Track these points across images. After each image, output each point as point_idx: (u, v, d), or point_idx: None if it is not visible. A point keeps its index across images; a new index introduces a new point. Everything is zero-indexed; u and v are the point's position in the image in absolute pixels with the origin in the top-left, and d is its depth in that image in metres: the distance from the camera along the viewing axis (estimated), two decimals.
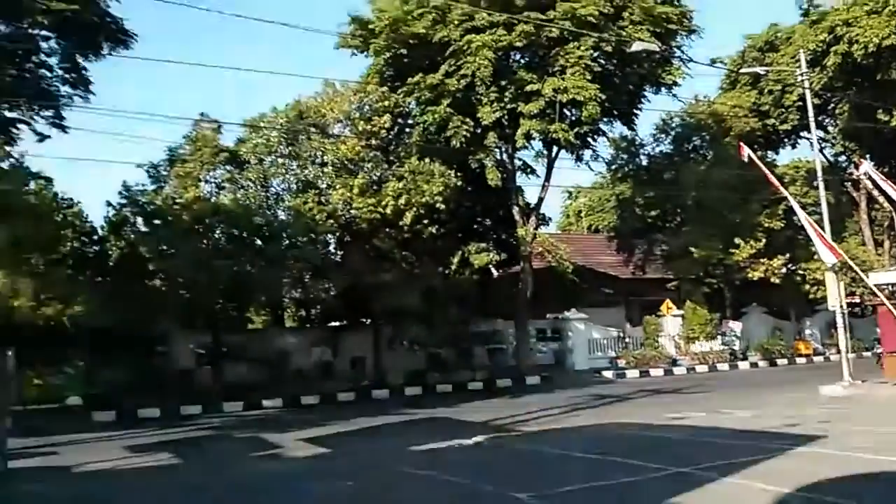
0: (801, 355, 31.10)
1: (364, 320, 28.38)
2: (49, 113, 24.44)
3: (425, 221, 24.91)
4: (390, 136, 26.63)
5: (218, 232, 23.76)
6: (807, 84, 23.53)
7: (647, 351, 29.18)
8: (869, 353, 27.21)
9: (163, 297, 23.13)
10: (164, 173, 24.70)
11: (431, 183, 24.67)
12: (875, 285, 20.57)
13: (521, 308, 27.77)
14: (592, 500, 8.46)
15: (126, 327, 22.08)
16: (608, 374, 26.86)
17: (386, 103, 25.82)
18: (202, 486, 10.63)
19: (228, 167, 25.28)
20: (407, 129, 27.81)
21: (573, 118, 26.27)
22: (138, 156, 54.26)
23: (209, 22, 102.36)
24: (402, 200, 24.24)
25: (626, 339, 30.57)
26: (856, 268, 22.23)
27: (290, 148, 26.21)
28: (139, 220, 24.09)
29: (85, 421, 19.68)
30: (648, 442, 12.20)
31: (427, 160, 25.26)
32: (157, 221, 23.45)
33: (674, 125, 34.90)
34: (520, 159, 28.85)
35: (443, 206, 24.94)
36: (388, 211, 24.25)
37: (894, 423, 13.06)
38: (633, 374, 26.90)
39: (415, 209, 24.41)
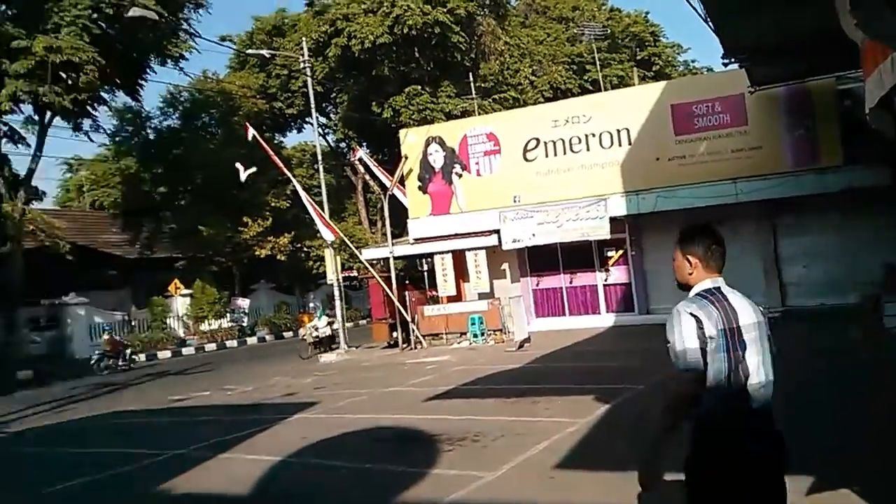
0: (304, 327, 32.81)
1: None
2: None
3: None
4: None
5: None
6: (308, 72, 24.86)
7: (155, 333, 28.28)
8: (364, 321, 30.02)
9: None
10: None
11: None
12: (367, 260, 22.88)
13: (11, 294, 24.59)
14: (83, 496, 7.92)
15: None
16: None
17: None
18: None
19: None
20: None
21: (70, 82, 24.03)
22: None
23: None
24: None
25: (133, 323, 29.18)
26: (351, 245, 24.42)
27: None
28: None
29: None
30: (147, 428, 11.91)
31: None
32: None
33: (182, 100, 34.17)
34: (5, 124, 25.45)
35: None
36: None
37: (378, 383, 14.55)
38: (139, 358, 25.83)
39: None
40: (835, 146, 18.69)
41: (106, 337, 24.13)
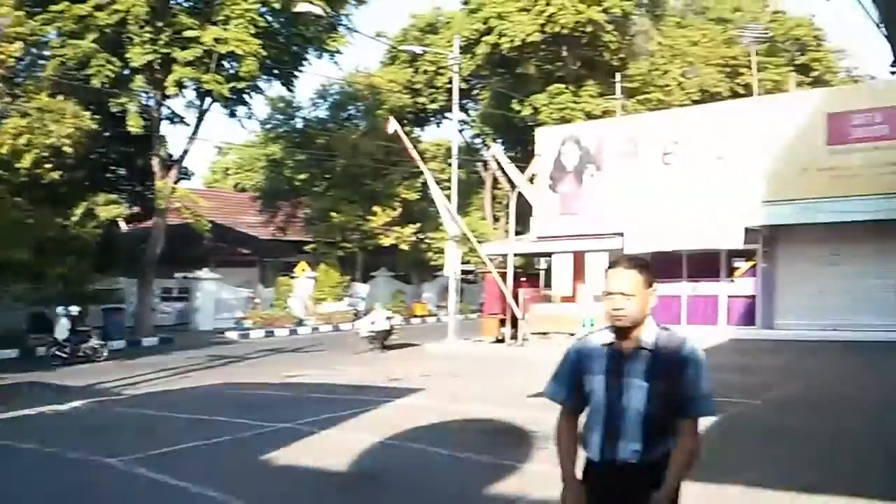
0: (416, 316, 33.05)
1: None
2: None
3: (48, 166, 22.22)
4: (19, 67, 23.25)
5: None
6: (456, 69, 24.89)
7: (275, 311, 29.16)
8: (474, 315, 30.01)
9: None
10: None
11: (61, 123, 22.08)
12: (486, 255, 22.76)
13: (147, 265, 26.00)
14: (188, 459, 8.20)
15: None
16: (232, 334, 26.28)
17: (20, 29, 22.37)
18: None
19: None
20: (41, 62, 24.43)
21: (231, 71, 25.20)
22: None
23: None
24: (22, 140, 21.34)
25: (256, 300, 30.24)
26: (473, 239, 24.34)
27: None
28: None
29: None
30: (259, 400, 12.19)
31: (61, 97, 22.58)
32: None
33: (332, 92, 35.28)
34: (168, 107, 26.93)
35: (71, 150, 22.50)
36: (4, 151, 21.19)
37: (482, 376, 14.60)
38: (257, 334, 26.56)
39: (37, 151, 21.66)
40: None
41: None
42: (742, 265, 20.83)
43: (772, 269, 20.36)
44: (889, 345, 17.15)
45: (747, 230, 19.31)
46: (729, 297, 21.13)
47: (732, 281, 21.08)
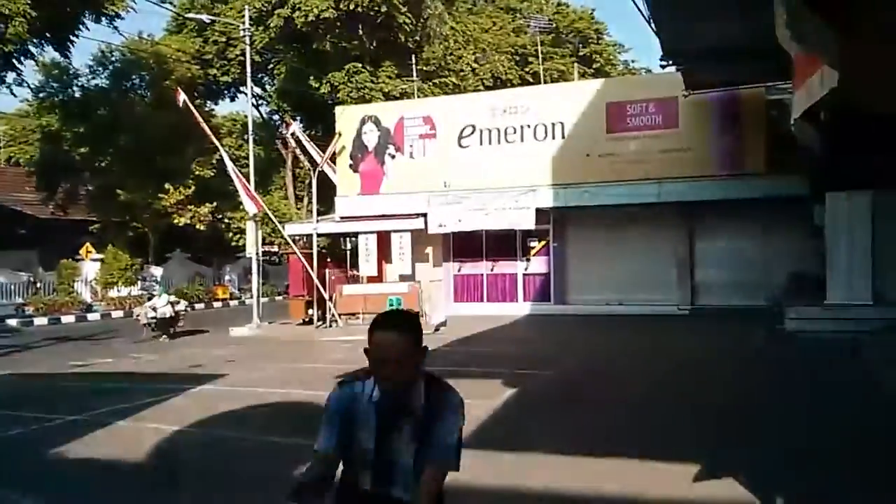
0: (218, 299, 32.11)
1: None
2: None
3: None
4: None
5: None
6: (248, 41, 24.13)
7: (60, 297, 27.21)
8: (280, 297, 29.59)
9: None
10: None
11: None
12: (290, 236, 22.47)
13: None
14: None
15: None
16: (12, 322, 24.24)
17: None
18: None
19: None
20: None
21: None
22: None
23: None
24: None
25: (38, 285, 27.97)
26: (274, 219, 23.95)
27: None
28: None
29: None
30: (47, 392, 11.43)
31: None
32: None
33: (113, 59, 32.93)
34: None
35: None
36: None
37: (290, 359, 14.48)
38: (41, 321, 24.69)
39: None
40: (759, 154, 19.23)
41: None
42: (536, 245, 22.14)
43: (562, 249, 21.85)
44: (666, 317, 19.25)
45: (538, 211, 20.54)
46: (525, 275, 22.45)
47: (528, 260, 22.38)
